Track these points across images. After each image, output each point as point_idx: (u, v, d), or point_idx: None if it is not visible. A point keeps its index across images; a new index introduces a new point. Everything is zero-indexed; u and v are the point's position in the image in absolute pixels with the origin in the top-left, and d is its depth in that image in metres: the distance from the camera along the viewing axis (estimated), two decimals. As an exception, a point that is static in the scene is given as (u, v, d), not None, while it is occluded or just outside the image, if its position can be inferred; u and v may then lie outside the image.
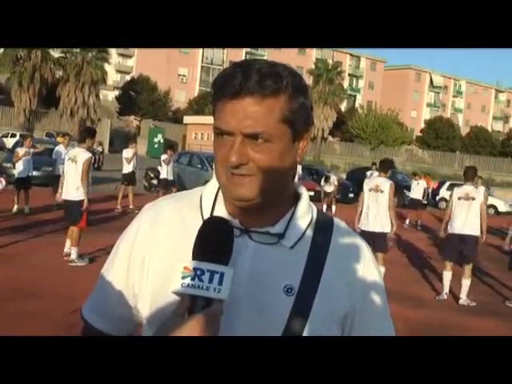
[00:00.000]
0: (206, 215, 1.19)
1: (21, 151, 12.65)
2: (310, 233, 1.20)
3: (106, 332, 1.27)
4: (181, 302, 1.00)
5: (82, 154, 8.48)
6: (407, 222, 18.41)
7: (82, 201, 8.44)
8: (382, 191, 8.32)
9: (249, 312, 1.12)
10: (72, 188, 8.47)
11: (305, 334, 1.11)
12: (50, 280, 7.45)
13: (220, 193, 1.22)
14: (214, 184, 1.24)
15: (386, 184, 8.36)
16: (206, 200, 1.23)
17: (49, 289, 7.02)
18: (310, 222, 1.22)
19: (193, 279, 0.99)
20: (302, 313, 1.12)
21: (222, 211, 1.20)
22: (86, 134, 8.78)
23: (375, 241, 8.15)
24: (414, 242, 14.27)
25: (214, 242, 1.03)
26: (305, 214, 1.22)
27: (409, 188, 19.45)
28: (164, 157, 16.14)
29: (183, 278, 0.99)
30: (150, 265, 1.20)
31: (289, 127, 1.11)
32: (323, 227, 1.23)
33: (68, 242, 8.64)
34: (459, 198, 8.44)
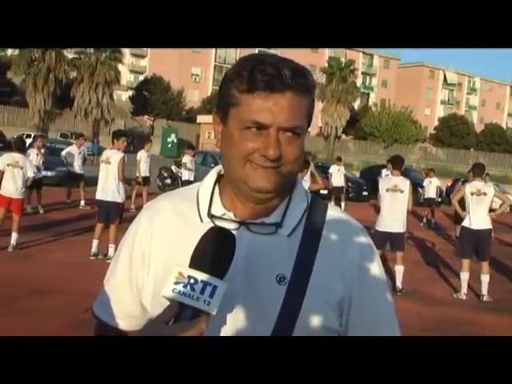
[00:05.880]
0: (203, 210, 1.20)
1: (31, 153, 12.74)
2: (305, 219, 1.21)
3: (118, 328, 1.27)
4: (169, 307, 0.99)
5: (114, 155, 8.80)
6: (424, 220, 18.25)
7: (121, 202, 8.82)
8: (401, 191, 8.22)
9: (244, 303, 1.12)
10: (109, 189, 8.73)
11: (298, 322, 1.11)
12: (65, 277, 7.52)
13: (216, 188, 1.23)
14: (211, 179, 1.26)
15: (404, 183, 8.29)
16: (202, 195, 1.24)
17: (63, 286, 7.08)
18: (306, 209, 1.23)
19: (185, 287, 0.97)
20: (294, 301, 1.12)
21: (218, 205, 1.21)
22: (118, 136, 9.06)
23: (394, 241, 8.21)
24: (429, 240, 14.18)
25: (214, 253, 1.00)
26: (301, 200, 1.23)
27: (422, 186, 19.32)
28: (186, 158, 15.39)
29: (176, 283, 0.97)
30: (150, 261, 1.21)
31: (307, 122, 1.16)
32: (317, 213, 1.23)
33: (95, 242, 8.77)
34: (472, 194, 8.54)
